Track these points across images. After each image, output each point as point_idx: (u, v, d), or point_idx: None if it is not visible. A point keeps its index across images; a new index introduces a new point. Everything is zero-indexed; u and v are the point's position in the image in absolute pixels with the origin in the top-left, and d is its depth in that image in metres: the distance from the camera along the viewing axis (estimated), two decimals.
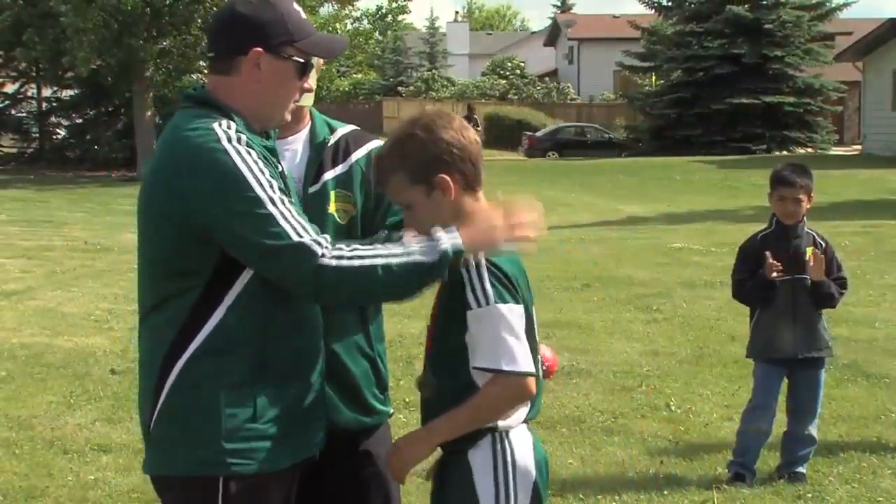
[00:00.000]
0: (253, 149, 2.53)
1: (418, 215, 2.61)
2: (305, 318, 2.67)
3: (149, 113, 30.11)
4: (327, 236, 2.49)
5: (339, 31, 31.75)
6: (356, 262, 2.45)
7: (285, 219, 2.45)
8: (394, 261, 2.47)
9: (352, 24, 33.44)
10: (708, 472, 5.55)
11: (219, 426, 2.52)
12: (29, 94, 36.02)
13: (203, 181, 2.47)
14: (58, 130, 36.25)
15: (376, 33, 35.67)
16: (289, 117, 2.76)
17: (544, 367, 8.41)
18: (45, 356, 8.08)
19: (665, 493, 5.26)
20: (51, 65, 30.55)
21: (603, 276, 11.74)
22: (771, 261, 5.22)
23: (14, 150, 35.24)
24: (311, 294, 2.50)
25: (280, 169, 2.66)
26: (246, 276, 2.53)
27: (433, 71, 64.66)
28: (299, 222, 2.47)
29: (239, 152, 2.49)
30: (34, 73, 34.20)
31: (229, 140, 2.50)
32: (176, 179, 2.49)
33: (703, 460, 5.73)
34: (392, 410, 3.28)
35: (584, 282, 11.33)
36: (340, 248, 2.46)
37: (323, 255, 2.43)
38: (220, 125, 2.54)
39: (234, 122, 2.58)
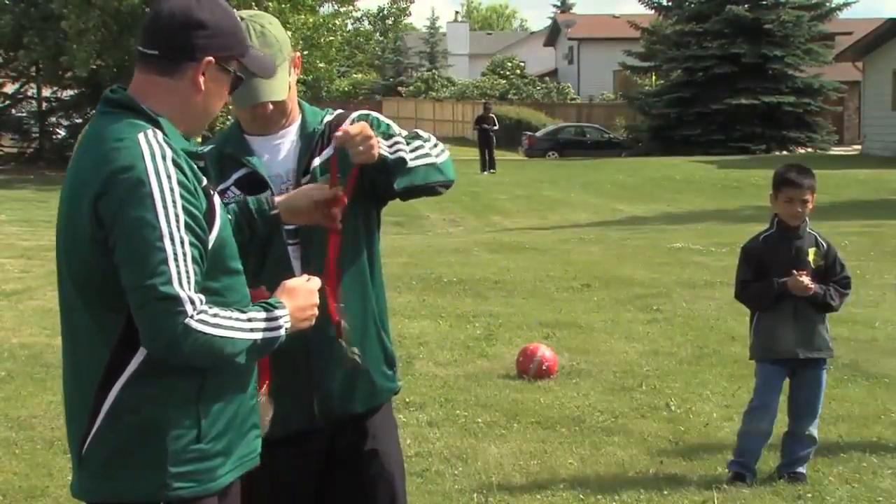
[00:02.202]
0: (177, 166, 2.43)
1: None
2: None
3: None
4: (202, 296, 2.40)
5: (339, 31, 31.74)
6: (212, 331, 2.39)
7: (175, 261, 2.37)
8: (241, 338, 2.44)
9: (352, 24, 33.42)
10: (708, 472, 5.55)
11: (163, 450, 2.46)
12: (29, 94, 35.96)
13: (116, 197, 2.38)
14: (58, 130, 36.19)
15: (377, 34, 35.66)
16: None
17: (544, 367, 8.45)
18: (45, 356, 8.07)
19: (665, 493, 5.26)
20: (51, 65, 30.51)
21: (603, 276, 11.74)
22: (799, 277, 5.23)
23: (14, 150, 35.19)
24: (163, 345, 2.38)
25: (201, 178, 2.54)
26: None
27: (433, 71, 64.72)
28: (187, 271, 2.38)
29: (159, 174, 2.40)
30: (34, 74, 34.16)
31: (153, 156, 2.41)
32: (101, 201, 2.40)
33: (703, 460, 5.73)
34: (400, 385, 3.32)
35: (584, 282, 11.33)
36: (205, 311, 2.39)
37: (190, 316, 2.36)
38: (145, 136, 2.44)
39: (161, 129, 2.48)
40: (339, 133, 2.92)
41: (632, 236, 16.07)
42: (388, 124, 3.17)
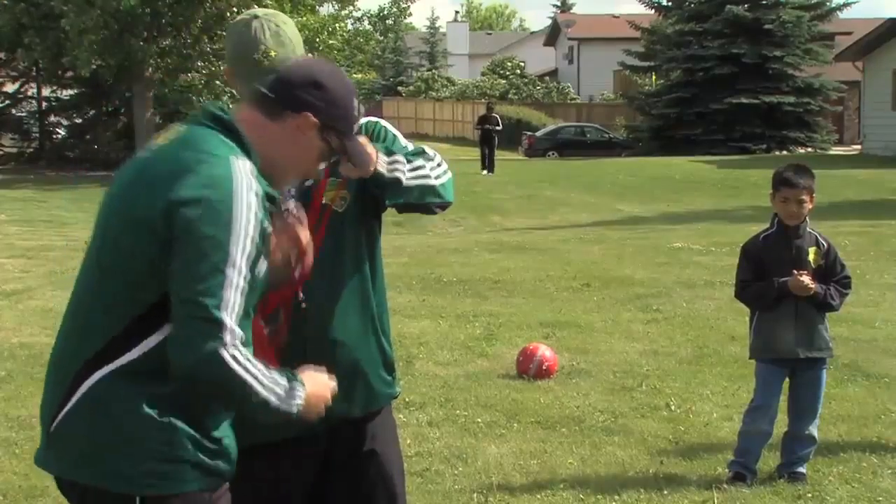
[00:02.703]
0: (258, 199, 2.49)
1: None
2: None
3: (149, 113, 30.11)
4: (243, 334, 2.43)
5: (340, 32, 31.73)
6: (239, 371, 2.41)
7: (232, 289, 2.41)
8: (258, 391, 2.45)
9: (352, 24, 33.42)
10: (708, 472, 5.55)
11: (134, 446, 2.48)
12: (29, 93, 35.96)
13: (198, 208, 2.42)
14: (58, 130, 36.21)
15: (377, 34, 35.68)
16: (287, 188, 2.78)
17: (544, 367, 8.45)
18: (45, 356, 7.97)
19: (665, 493, 5.26)
20: (51, 65, 30.53)
21: (603, 276, 11.74)
22: (800, 277, 5.22)
23: (14, 150, 35.20)
24: (190, 364, 2.40)
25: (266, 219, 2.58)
26: None
27: (433, 71, 64.77)
28: (237, 302, 2.42)
29: (243, 202, 2.45)
30: (34, 73, 34.17)
31: (242, 184, 2.46)
32: (176, 194, 2.43)
33: (703, 460, 5.73)
34: (399, 390, 3.31)
35: (584, 282, 11.33)
36: (239, 350, 2.42)
37: (226, 346, 2.39)
38: (239, 161, 2.50)
39: (252, 162, 2.54)
40: None
41: (632, 236, 16.08)
42: (394, 136, 3.17)
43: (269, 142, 2.60)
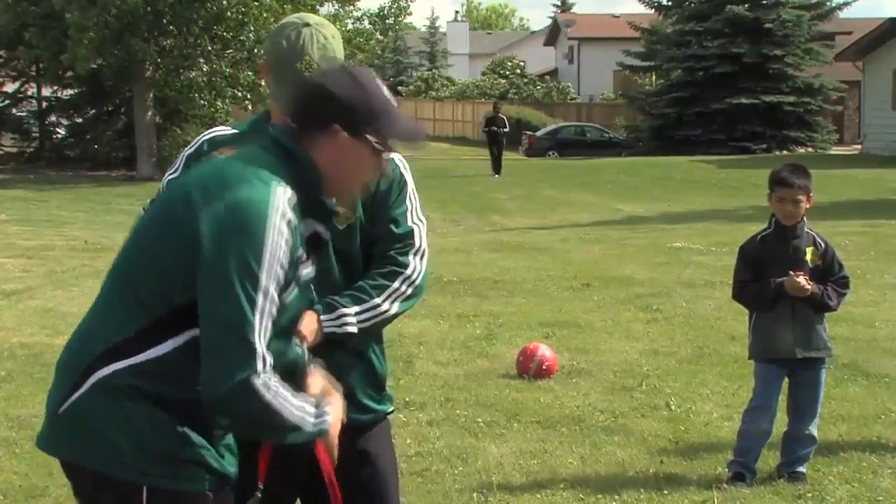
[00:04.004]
0: (290, 227, 2.50)
1: None
2: None
3: (149, 113, 30.10)
4: (272, 360, 2.44)
5: (340, 31, 31.71)
6: (269, 399, 2.42)
7: (261, 314, 2.43)
8: (287, 419, 2.47)
9: (352, 23, 33.40)
10: (708, 472, 5.55)
11: (139, 438, 2.51)
12: (29, 93, 35.95)
13: (231, 230, 2.45)
14: (58, 130, 36.21)
15: (377, 34, 35.65)
16: (358, 193, 2.76)
17: (544, 367, 8.44)
18: (45, 356, 8.07)
19: (665, 492, 5.26)
20: (51, 64, 30.53)
21: (603, 275, 11.74)
22: (796, 277, 5.22)
23: (14, 150, 35.19)
24: (221, 392, 2.42)
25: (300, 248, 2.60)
26: None
27: (433, 70, 64.76)
28: (266, 327, 2.44)
29: (275, 228, 2.46)
30: (34, 73, 34.17)
31: (275, 209, 2.48)
32: (213, 210, 2.46)
33: (703, 460, 5.73)
34: (391, 409, 3.27)
35: (584, 281, 11.34)
36: (270, 376, 2.43)
37: (258, 374, 2.41)
38: (280, 188, 2.51)
39: (311, 186, 2.57)
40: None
41: (632, 236, 16.09)
42: (401, 193, 3.11)
43: (324, 163, 2.61)
